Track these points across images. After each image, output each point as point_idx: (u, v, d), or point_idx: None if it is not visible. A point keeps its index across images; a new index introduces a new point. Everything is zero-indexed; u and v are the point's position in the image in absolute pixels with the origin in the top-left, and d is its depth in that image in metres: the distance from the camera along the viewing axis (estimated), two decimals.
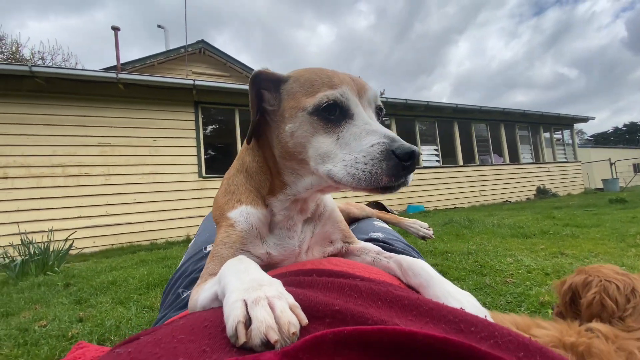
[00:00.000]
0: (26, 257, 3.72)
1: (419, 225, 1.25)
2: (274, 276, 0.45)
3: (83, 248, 5.44)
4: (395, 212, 1.41)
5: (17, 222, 5.08)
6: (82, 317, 2.12)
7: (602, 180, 12.90)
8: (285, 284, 0.43)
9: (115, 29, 9.36)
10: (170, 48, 10.10)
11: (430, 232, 1.25)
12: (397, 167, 0.50)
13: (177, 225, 6.39)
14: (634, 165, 22.17)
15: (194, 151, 6.76)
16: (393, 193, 0.54)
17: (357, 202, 1.30)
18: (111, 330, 1.87)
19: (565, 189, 12.17)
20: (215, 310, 0.41)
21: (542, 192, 11.19)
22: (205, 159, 6.98)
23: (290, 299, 0.38)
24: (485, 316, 0.41)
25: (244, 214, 0.65)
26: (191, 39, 14.67)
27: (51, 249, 3.99)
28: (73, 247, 4.52)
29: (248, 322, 0.34)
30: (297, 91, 0.60)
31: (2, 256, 3.85)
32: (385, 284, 0.46)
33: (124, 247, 5.77)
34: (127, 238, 6.02)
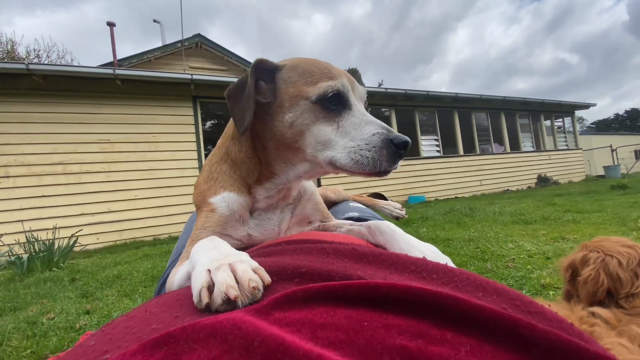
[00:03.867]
0: (31, 254, 3.76)
1: (392, 207, 1.34)
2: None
3: (87, 245, 5.48)
4: (390, 199, 1.47)
5: (21, 221, 5.11)
6: (88, 309, 2.15)
7: (603, 167, 12.88)
8: (254, 256, 0.44)
9: (111, 24, 9.26)
10: (167, 43, 10.02)
11: (403, 212, 1.34)
12: (395, 155, 0.56)
13: (180, 221, 6.41)
14: (636, 151, 22.06)
15: (193, 146, 6.76)
16: (383, 178, 0.60)
17: (346, 189, 1.30)
18: None
19: (566, 177, 12.15)
20: (188, 287, 0.42)
21: (543, 180, 11.18)
22: (205, 154, 6.97)
23: (254, 263, 0.39)
24: (447, 263, 0.43)
25: (226, 199, 0.66)
26: (185, 33, 14.53)
27: (56, 246, 4.03)
28: (77, 244, 4.55)
29: (212, 287, 0.35)
30: (297, 80, 0.60)
31: (7, 254, 3.89)
32: (350, 244, 0.47)
33: (127, 243, 5.81)
34: (130, 234, 6.06)
